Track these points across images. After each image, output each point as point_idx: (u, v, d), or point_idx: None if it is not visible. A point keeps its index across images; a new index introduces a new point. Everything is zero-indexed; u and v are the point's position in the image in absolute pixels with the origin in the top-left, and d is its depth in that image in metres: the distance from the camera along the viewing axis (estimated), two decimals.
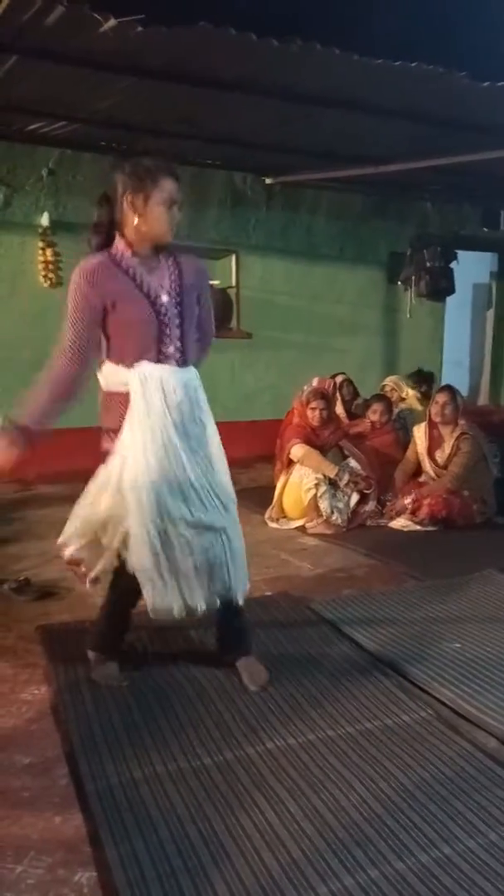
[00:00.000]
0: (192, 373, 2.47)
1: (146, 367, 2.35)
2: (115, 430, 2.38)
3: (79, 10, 3.27)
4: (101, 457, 2.45)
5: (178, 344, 2.40)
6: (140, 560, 2.35)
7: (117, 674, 2.63)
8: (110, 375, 2.42)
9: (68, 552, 2.48)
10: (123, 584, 2.50)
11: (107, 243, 2.39)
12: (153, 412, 2.33)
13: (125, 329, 2.35)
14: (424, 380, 6.47)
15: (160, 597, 2.36)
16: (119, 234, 2.37)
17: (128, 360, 2.36)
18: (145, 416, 2.33)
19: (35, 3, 3.25)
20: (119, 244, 2.37)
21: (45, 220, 5.95)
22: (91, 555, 2.49)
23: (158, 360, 2.37)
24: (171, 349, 2.38)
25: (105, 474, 2.40)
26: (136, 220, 2.31)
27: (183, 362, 2.42)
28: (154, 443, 2.33)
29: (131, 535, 2.35)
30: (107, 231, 2.39)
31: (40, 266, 6.00)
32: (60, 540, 2.50)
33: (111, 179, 2.36)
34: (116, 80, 4.16)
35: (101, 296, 2.32)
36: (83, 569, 2.51)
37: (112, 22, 3.36)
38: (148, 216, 2.30)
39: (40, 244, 5.98)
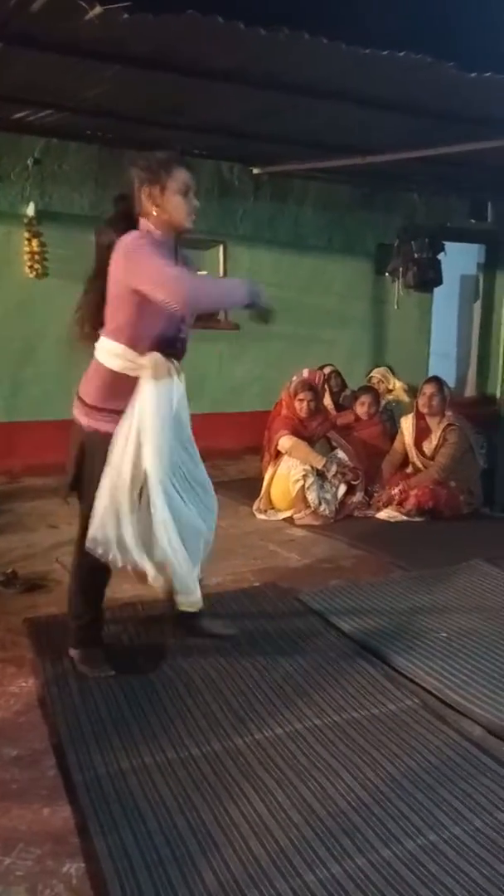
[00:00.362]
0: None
1: (159, 358, 2.37)
2: (119, 412, 2.38)
3: None
4: (90, 435, 2.46)
5: (183, 338, 2.48)
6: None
7: (103, 662, 2.63)
8: (122, 356, 2.41)
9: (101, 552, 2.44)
10: (91, 562, 2.51)
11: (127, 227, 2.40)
12: (162, 404, 2.36)
13: (153, 316, 2.36)
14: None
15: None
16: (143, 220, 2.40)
17: (141, 345, 2.39)
18: (157, 406, 2.35)
19: None
20: (146, 225, 2.39)
21: (30, 210, 5.89)
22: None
23: (168, 354, 2.40)
24: (178, 344, 2.46)
25: (115, 463, 2.39)
26: (155, 211, 2.37)
27: (181, 357, 2.49)
28: (164, 433, 2.37)
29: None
30: (123, 228, 2.40)
31: (26, 257, 5.94)
32: (89, 545, 2.46)
33: (125, 175, 2.40)
34: (103, 68, 4.11)
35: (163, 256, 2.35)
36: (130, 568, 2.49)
37: (98, 9, 3.31)
38: (166, 205, 2.37)
39: (26, 234, 5.92)
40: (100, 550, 2.39)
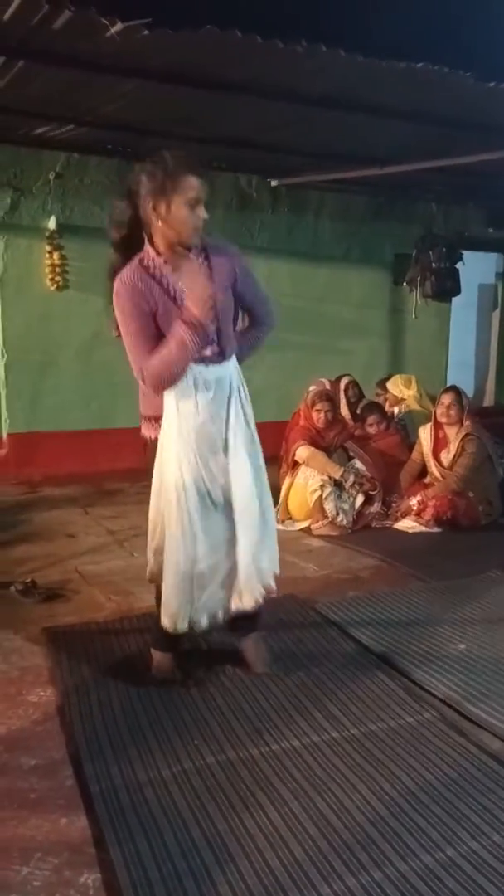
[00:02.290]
0: (228, 367, 2.44)
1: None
2: (156, 419, 2.41)
3: (86, 14, 3.28)
4: (144, 442, 2.52)
5: (215, 342, 2.38)
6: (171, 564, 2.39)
7: (171, 667, 2.65)
8: None
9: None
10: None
11: (130, 242, 2.34)
12: (183, 414, 2.35)
13: (165, 333, 2.33)
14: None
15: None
16: (147, 235, 2.33)
17: None
18: (175, 417, 2.36)
19: (42, 7, 3.26)
20: (149, 251, 2.33)
21: (51, 223, 5.98)
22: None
23: (195, 361, 2.35)
24: (206, 351, 2.36)
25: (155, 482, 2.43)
26: (159, 224, 2.27)
27: (220, 358, 2.40)
28: (188, 444, 2.36)
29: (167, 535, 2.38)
30: (129, 228, 2.33)
31: (47, 269, 6.03)
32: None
33: (134, 176, 2.29)
34: (123, 83, 4.17)
35: (147, 302, 2.31)
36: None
37: (119, 26, 3.37)
38: (171, 221, 2.25)
39: (47, 247, 6.01)
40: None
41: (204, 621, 2.44)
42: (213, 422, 2.39)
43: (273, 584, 2.56)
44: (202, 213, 2.29)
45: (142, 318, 2.29)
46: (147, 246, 2.33)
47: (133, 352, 2.32)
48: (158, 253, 2.33)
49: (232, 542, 2.45)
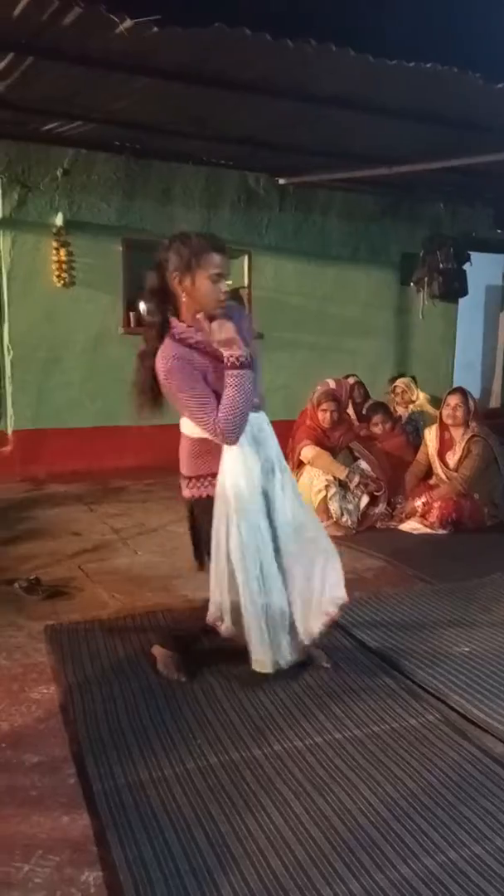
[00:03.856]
0: (265, 417, 2.56)
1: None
2: (209, 476, 2.45)
3: (95, 10, 3.28)
4: (195, 503, 2.54)
5: (258, 391, 2.47)
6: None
7: (177, 666, 2.67)
8: None
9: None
10: None
11: (162, 311, 2.42)
12: (247, 455, 2.41)
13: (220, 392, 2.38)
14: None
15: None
16: (173, 307, 2.42)
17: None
18: (242, 461, 2.40)
19: (52, 3, 3.26)
20: (177, 325, 2.41)
21: (59, 219, 5.98)
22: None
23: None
24: (255, 398, 2.44)
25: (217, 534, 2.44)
26: (185, 298, 2.39)
27: (261, 407, 2.52)
28: (252, 482, 2.41)
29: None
30: (159, 297, 2.42)
31: (54, 266, 6.03)
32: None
33: (161, 251, 2.40)
34: (132, 80, 4.17)
35: (195, 368, 2.37)
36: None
37: (128, 23, 3.37)
38: (196, 294, 2.37)
39: (54, 244, 6.01)
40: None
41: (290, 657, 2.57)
42: (264, 469, 2.48)
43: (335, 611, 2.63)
44: (224, 286, 2.42)
45: (198, 384, 2.37)
46: (174, 321, 2.42)
47: (201, 416, 2.36)
48: (188, 325, 2.42)
49: (300, 577, 2.56)
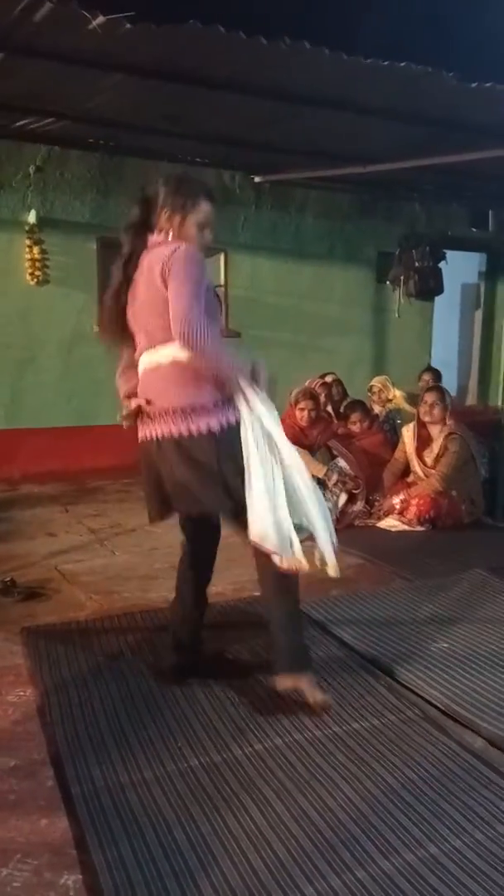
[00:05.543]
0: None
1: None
2: (230, 400, 2.29)
3: (67, 7, 3.25)
4: (214, 433, 2.28)
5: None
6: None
7: (166, 669, 2.63)
8: None
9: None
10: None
11: (141, 240, 2.36)
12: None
13: (209, 313, 2.29)
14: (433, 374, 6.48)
15: None
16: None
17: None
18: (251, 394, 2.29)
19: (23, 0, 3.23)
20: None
21: (32, 217, 5.92)
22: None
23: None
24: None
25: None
26: (171, 235, 2.35)
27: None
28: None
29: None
30: (136, 230, 2.37)
31: (27, 264, 5.98)
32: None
33: (154, 184, 2.39)
34: (105, 77, 4.14)
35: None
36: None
37: (101, 19, 3.34)
38: (182, 234, 2.34)
39: (27, 242, 5.95)
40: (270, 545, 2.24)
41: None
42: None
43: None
44: (207, 235, 2.40)
45: (202, 286, 2.26)
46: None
47: (187, 304, 2.19)
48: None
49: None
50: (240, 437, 2.27)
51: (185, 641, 2.65)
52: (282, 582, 2.37)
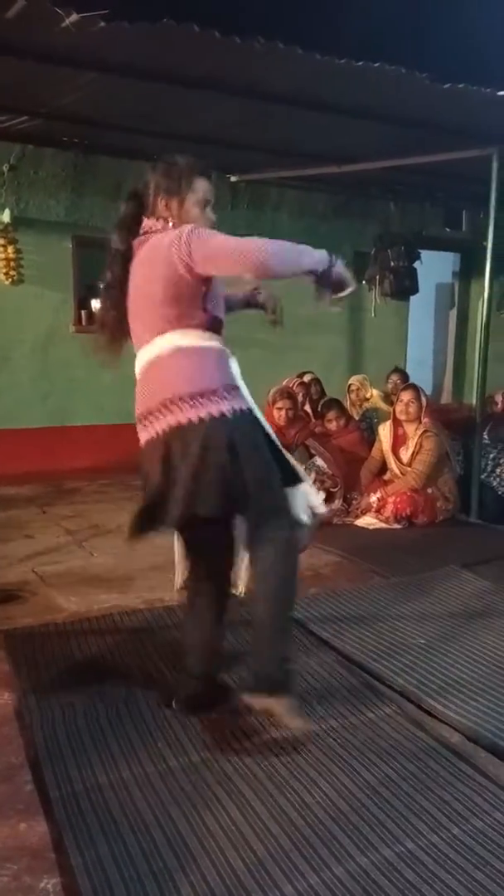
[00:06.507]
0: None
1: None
2: (233, 387, 2.22)
3: (40, 4, 3.22)
4: (227, 417, 2.15)
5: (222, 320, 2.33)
6: None
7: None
8: (205, 334, 2.23)
9: None
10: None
11: (135, 236, 2.28)
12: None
13: (213, 301, 2.24)
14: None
15: None
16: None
17: (214, 328, 2.26)
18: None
19: None
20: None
21: (5, 216, 5.87)
22: None
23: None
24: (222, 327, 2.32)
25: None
26: (172, 222, 2.23)
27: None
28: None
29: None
30: (129, 228, 2.28)
31: (1, 263, 5.92)
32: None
33: (143, 178, 2.30)
34: (79, 75, 4.11)
35: None
36: None
37: (74, 16, 3.31)
38: (184, 219, 2.22)
39: (1, 241, 5.90)
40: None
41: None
42: None
43: None
44: (210, 214, 2.30)
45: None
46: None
47: (244, 245, 2.11)
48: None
49: None
50: (258, 423, 2.24)
51: (204, 668, 2.43)
52: (286, 585, 2.22)
